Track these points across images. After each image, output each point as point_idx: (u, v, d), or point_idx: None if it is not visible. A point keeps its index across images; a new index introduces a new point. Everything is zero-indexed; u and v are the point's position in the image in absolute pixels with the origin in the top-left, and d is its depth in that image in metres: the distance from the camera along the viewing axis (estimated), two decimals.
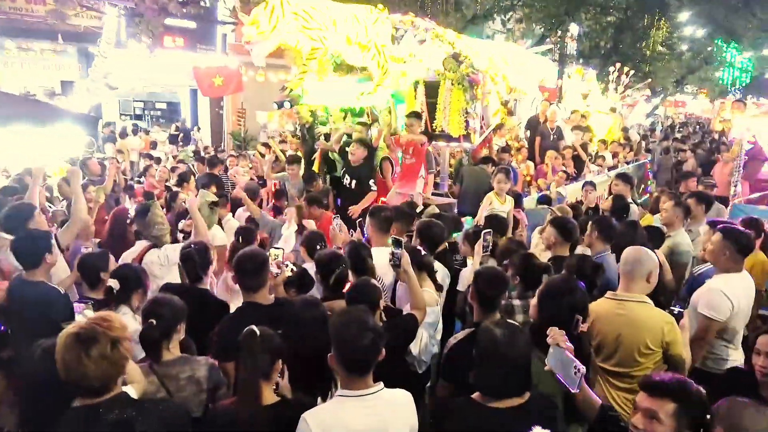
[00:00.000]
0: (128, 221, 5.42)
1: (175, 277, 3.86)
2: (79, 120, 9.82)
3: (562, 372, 2.25)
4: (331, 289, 3.29)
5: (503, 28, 20.19)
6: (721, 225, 3.91)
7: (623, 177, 6.19)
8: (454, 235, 5.44)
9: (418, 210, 5.29)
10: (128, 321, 2.81)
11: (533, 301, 2.93)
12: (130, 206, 6.13)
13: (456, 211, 6.85)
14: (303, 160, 7.21)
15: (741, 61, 39.67)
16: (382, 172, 6.80)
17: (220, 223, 5.61)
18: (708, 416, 1.97)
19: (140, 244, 4.26)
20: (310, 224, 5.03)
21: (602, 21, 22.36)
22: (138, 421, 1.96)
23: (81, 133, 10.15)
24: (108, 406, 1.96)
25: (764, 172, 10.89)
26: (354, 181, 6.52)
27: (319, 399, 2.52)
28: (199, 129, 20.10)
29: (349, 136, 7.09)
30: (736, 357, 3.54)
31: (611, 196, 5.96)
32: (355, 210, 6.29)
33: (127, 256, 4.16)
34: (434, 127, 6.95)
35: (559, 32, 22.07)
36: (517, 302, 3.42)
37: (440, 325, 3.73)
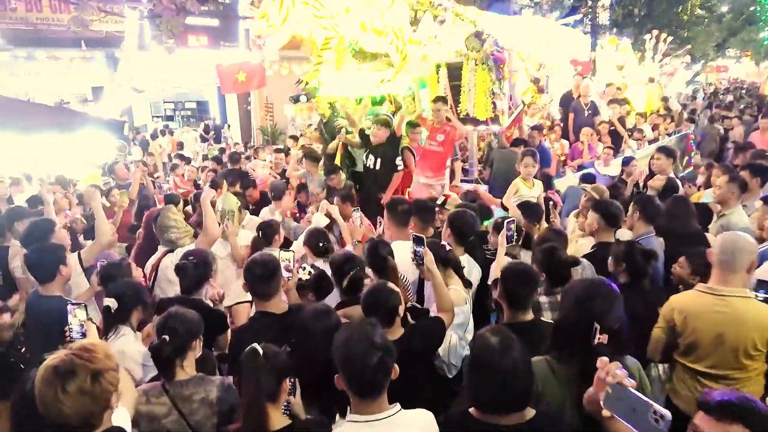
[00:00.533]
0: None
1: None
2: (105, 125, 9.93)
3: (632, 419, 1.68)
4: (347, 293, 3.09)
5: (530, 2, 19.51)
6: None
7: (665, 150, 5.75)
8: (485, 223, 5.18)
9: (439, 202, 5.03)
10: (129, 342, 2.67)
11: None
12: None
13: None
14: (323, 155, 7.00)
15: None
16: (404, 163, 6.54)
17: None
18: None
19: (160, 250, 4.16)
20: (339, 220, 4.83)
21: None
22: None
23: (108, 138, 10.30)
24: None
25: None
26: (378, 160, 6.20)
27: (337, 416, 2.33)
28: (229, 127, 20.21)
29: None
30: None
31: (657, 174, 5.53)
32: (387, 196, 6.04)
33: (149, 263, 4.08)
34: (459, 111, 6.64)
35: (590, 2, 21.19)
36: (543, 299, 3.13)
37: (471, 324, 3.49)
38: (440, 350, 3.05)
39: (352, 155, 6.88)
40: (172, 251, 4.04)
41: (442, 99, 6.33)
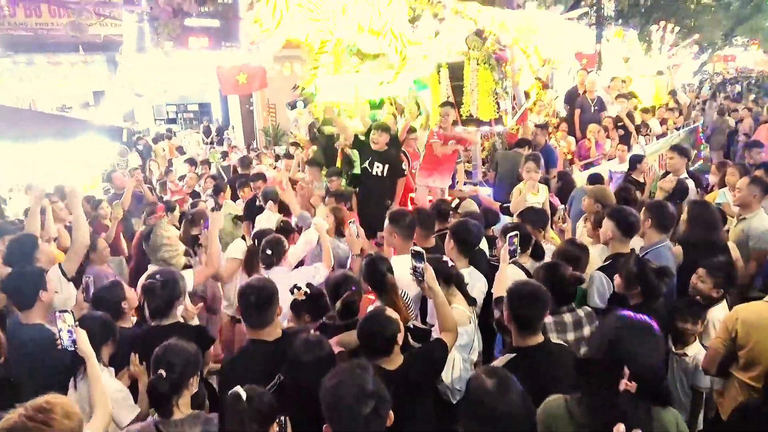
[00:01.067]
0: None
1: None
2: (104, 132, 9.81)
3: None
4: (342, 316, 2.92)
5: None
6: None
7: (679, 150, 5.52)
8: (493, 228, 5.01)
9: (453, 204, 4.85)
10: (104, 380, 2.51)
11: None
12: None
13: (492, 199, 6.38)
14: (322, 159, 6.82)
15: None
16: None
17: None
18: None
19: (152, 269, 3.97)
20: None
21: None
22: None
23: (108, 145, 10.17)
24: None
25: None
26: (386, 167, 5.91)
27: None
28: (233, 128, 20.07)
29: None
30: None
31: (667, 174, 5.31)
32: (396, 203, 5.90)
33: (140, 283, 3.92)
34: (462, 113, 6.45)
35: None
36: (549, 319, 2.91)
37: (476, 343, 3.32)
38: (443, 375, 2.89)
39: (351, 159, 6.71)
40: None
41: (450, 104, 6.11)
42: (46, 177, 9.04)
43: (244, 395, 1.92)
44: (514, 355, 2.62)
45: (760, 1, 29.66)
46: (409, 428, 2.33)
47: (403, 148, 6.35)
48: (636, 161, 6.52)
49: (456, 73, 6.50)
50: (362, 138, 6.04)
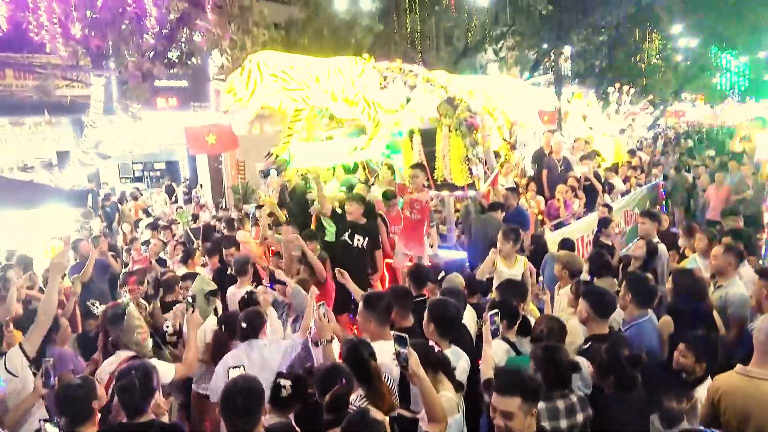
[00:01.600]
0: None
1: None
2: (68, 197, 9.53)
3: None
4: (329, 411, 2.77)
5: (496, 57, 20.03)
6: None
7: (650, 215, 5.66)
8: None
9: (439, 277, 4.77)
10: None
11: None
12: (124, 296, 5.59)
13: (467, 265, 6.37)
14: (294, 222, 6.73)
15: (737, 66, 39.57)
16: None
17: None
18: None
19: (119, 355, 3.72)
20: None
21: (595, 41, 22.20)
22: None
23: (72, 211, 9.87)
24: None
25: None
26: (366, 240, 5.92)
27: None
28: (201, 186, 19.84)
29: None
30: None
31: (639, 239, 5.39)
32: (378, 277, 5.82)
33: (105, 370, 3.65)
34: (436, 178, 6.51)
35: (552, 56, 21.92)
36: (542, 405, 2.75)
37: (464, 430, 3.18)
38: None
39: (323, 225, 6.65)
40: (139, 357, 3.60)
41: (420, 166, 6.19)
42: (7, 246, 8.71)
43: None
44: None
45: (704, 62, 31.75)
46: None
47: (381, 212, 6.34)
48: (603, 224, 6.63)
49: (428, 139, 6.59)
50: (339, 211, 6.05)
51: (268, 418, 2.83)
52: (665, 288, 4.37)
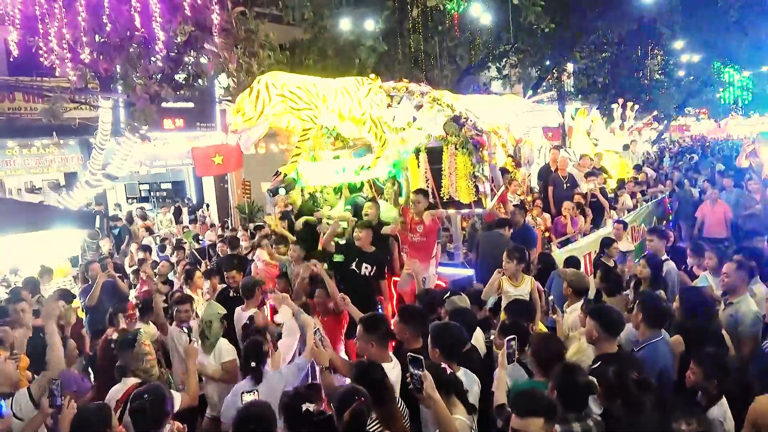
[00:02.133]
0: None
1: None
2: (77, 218, 9.59)
3: None
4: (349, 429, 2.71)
5: (499, 75, 20.16)
6: None
7: (657, 232, 5.63)
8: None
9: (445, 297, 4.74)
10: None
11: None
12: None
13: (474, 282, 6.34)
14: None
15: (740, 80, 39.67)
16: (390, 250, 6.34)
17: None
18: None
19: (125, 382, 3.71)
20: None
21: (597, 58, 22.33)
22: None
23: (78, 231, 9.91)
24: None
25: None
26: (374, 268, 5.92)
27: None
28: (208, 206, 19.92)
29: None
30: None
31: (643, 257, 5.35)
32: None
33: (112, 397, 3.64)
34: (442, 195, 6.52)
35: (555, 73, 22.04)
36: (558, 429, 2.68)
37: None
38: None
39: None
40: (142, 383, 3.56)
41: (422, 191, 6.17)
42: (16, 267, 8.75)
43: None
44: None
45: (707, 77, 31.84)
46: None
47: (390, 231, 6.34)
48: (605, 245, 6.60)
49: (435, 157, 6.61)
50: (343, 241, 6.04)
51: None
52: (674, 306, 4.34)
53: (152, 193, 22.81)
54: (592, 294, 5.18)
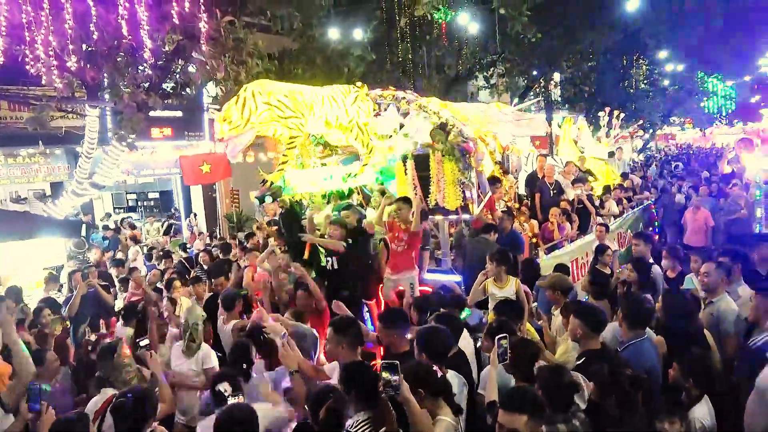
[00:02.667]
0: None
1: None
2: (62, 227, 9.51)
3: None
4: (325, 425, 2.71)
5: (487, 84, 20.33)
6: None
7: (644, 237, 5.71)
8: (463, 315, 4.94)
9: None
10: None
11: None
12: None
13: (462, 287, 6.36)
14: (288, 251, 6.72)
15: (723, 90, 40.38)
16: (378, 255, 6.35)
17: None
18: None
19: (105, 393, 3.64)
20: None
21: (584, 68, 22.62)
22: None
23: (63, 240, 9.83)
24: None
25: None
26: (334, 260, 5.99)
27: None
28: (195, 216, 19.83)
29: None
30: None
31: (631, 260, 5.42)
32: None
33: (90, 409, 3.56)
34: (429, 202, 6.55)
35: (542, 82, 22.27)
36: (544, 429, 2.70)
37: None
38: None
39: (318, 251, 6.66)
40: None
41: (406, 200, 6.19)
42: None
43: None
44: None
45: (692, 86, 32.38)
46: None
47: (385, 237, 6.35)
48: (599, 252, 6.66)
49: (422, 164, 6.65)
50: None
51: None
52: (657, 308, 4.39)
53: (140, 203, 22.66)
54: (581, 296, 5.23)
